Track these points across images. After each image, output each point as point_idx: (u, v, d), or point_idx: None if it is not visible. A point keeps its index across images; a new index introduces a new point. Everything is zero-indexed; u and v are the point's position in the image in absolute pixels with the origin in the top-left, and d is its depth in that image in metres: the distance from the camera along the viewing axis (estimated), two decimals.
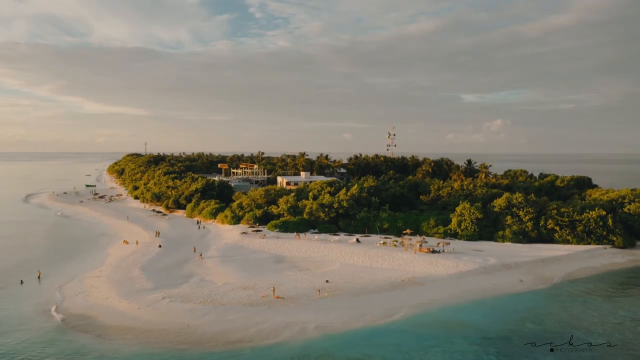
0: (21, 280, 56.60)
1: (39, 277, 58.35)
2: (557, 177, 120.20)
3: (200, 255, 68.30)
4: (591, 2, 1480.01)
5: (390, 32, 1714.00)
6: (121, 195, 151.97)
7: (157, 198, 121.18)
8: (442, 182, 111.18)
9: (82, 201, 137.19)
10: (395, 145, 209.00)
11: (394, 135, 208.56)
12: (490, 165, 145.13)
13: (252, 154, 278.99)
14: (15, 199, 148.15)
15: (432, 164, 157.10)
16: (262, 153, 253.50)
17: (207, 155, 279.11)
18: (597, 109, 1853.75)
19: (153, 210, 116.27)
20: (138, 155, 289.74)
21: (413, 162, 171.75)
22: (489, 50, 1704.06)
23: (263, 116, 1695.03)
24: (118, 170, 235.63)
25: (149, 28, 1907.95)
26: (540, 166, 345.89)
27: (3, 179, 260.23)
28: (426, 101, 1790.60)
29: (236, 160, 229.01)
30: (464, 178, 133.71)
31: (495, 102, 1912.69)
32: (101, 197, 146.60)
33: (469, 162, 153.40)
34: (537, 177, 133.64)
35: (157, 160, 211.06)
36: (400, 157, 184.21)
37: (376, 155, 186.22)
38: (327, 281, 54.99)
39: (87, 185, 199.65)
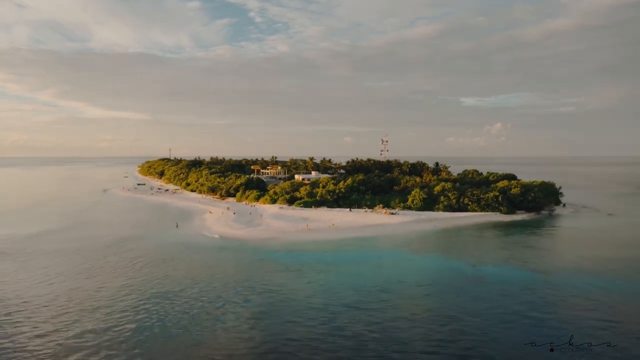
0: (177, 223, 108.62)
1: (177, 226, 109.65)
2: (491, 174, 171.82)
3: (261, 216, 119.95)
4: (589, 6, 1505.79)
5: (390, 37, 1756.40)
6: (178, 189, 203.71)
7: (212, 190, 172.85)
8: (409, 177, 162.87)
9: (152, 193, 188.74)
10: (387, 151, 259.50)
11: (387, 141, 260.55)
12: (449, 167, 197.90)
13: (262, 158, 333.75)
14: (109, 192, 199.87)
15: (409, 165, 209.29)
16: (275, 157, 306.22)
17: (221, 159, 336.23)
18: (597, 111, 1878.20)
19: (211, 197, 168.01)
20: (168, 159, 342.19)
21: (395, 164, 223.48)
22: (488, 54, 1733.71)
23: (264, 120, 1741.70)
24: (158, 172, 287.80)
25: (149, 33, 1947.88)
26: (528, 168, 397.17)
27: (56, 181, 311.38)
28: (426, 105, 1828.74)
29: (252, 163, 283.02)
30: (431, 175, 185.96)
31: (495, 105, 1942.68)
32: (166, 190, 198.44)
33: (437, 164, 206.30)
34: (483, 174, 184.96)
35: (194, 163, 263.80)
36: (386, 160, 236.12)
37: (368, 159, 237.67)
38: (332, 224, 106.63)
39: (138, 184, 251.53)
